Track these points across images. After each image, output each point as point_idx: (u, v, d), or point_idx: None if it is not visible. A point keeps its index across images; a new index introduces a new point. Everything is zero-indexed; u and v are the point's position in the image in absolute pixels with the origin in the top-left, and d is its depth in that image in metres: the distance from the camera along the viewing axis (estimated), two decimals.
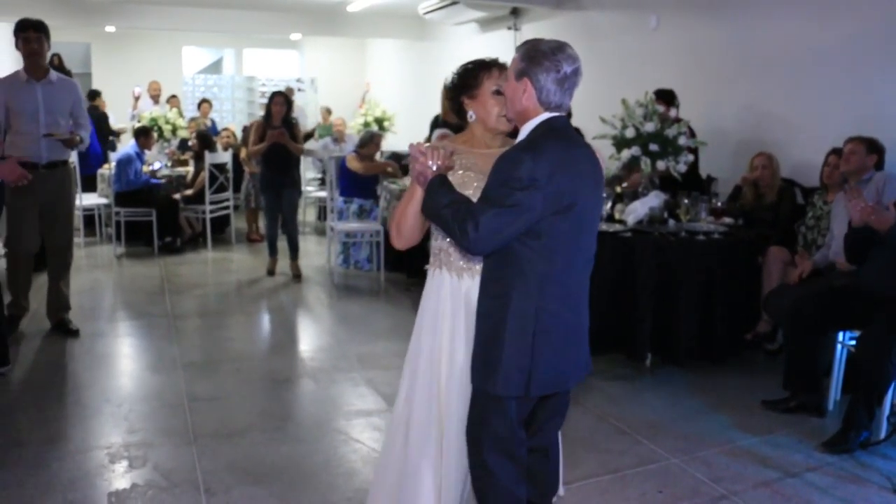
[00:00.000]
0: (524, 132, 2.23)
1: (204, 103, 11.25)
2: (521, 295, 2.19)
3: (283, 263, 7.18)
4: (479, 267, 2.38)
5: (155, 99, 11.03)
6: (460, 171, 2.42)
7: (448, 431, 2.48)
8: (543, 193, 2.08)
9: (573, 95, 2.23)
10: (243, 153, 8.68)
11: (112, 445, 3.59)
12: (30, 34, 4.86)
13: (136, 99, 10.98)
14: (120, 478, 3.28)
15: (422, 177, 2.25)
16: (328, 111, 11.98)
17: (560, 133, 2.20)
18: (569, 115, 6.84)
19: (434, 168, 2.25)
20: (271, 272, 7.11)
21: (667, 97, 5.35)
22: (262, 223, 9.14)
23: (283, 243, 7.18)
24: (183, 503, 3.09)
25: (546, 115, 2.21)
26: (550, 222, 2.14)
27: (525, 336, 2.20)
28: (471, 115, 2.50)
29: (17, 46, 4.95)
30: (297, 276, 7.02)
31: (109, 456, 3.48)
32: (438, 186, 2.21)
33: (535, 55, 2.17)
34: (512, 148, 2.19)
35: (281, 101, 6.88)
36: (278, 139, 6.70)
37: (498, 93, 2.42)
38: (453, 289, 2.50)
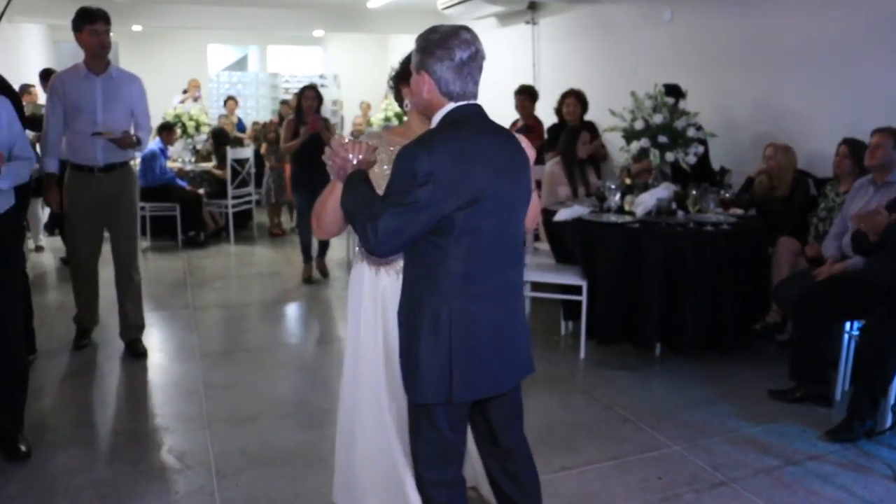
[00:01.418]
0: (433, 125, 2.13)
1: (230, 100, 11.43)
2: (432, 296, 2.07)
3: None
4: (400, 264, 2.33)
5: (194, 97, 11.30)
6: (385, 167, 2.34)
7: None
8: (442, 188, 1.95)
9: (478, 81, 2.11)
10: (263, 148, 8.82)
11: (130, 429, 3.73)
12: (98, 26, 4.40)
13: (185, 93, 11.33)
14: (136, 459, 3.41)
15: (342, 171, 2.18)
16: (368, 106, 12.20)
17: (463, 123, 2.07)
18: (579, 101, 6.81)
19: (354, 162, 2.18)
20: (308, 280, 6.76)
21: (673, 92, 5.37)
22: (283, 218, 9.31)
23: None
24: (195, 484, 3.20)
25: (451, 106, 2.09)
26: (456, 218, 2.00)
27: (440, 339, 2.05)
28: (406, 103, 2.43)
29: (78, 41, 4.47)
30: (324, 274, 6.89)
31: (127, 439, 3.62)
32: (355, 182, 2.10)
33: (427, 45, 2.06)
34: (409, 143, 2.04)
35: (312, 96, 6.57)
36: (313, 128, 6.37)
37: None
38: (371, 283, 2.55)
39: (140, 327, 4.92)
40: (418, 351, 2.08)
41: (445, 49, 2.04)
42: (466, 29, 2.09)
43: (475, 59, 2.08)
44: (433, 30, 2.10)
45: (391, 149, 2.36)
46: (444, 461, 2.21)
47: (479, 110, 2.13)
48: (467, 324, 2.07)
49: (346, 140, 2.23)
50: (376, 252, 2.02)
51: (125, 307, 4.83)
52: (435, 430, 2.16)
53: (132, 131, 4.66)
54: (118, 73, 4.64)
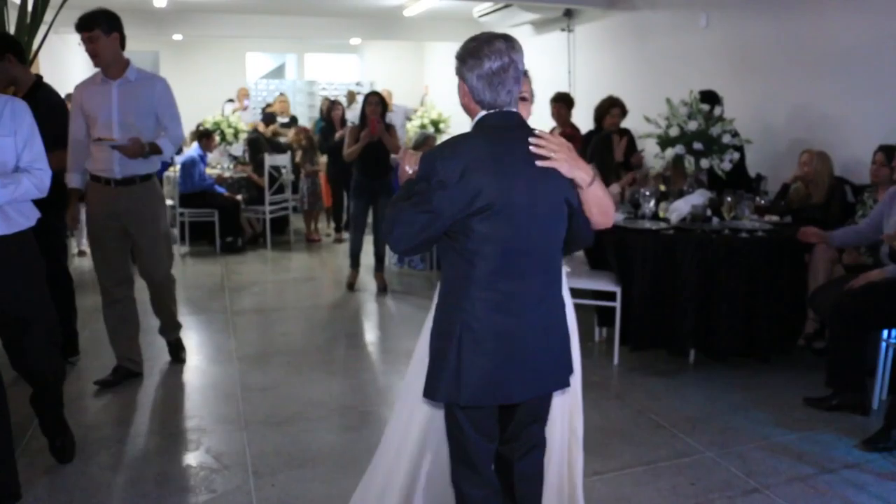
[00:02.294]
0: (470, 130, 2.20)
1: (268, 108, 11.62)
2: (447, 298, 2.16)
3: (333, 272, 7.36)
4: None
5: (240, 102, 11.52)
6: None
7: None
8: (451, 194, 2.01)
9: (514, 90, 2.12)
10: (298, 156, 8.94)
11: (169, 430, 3.82)
12: (83, 35, 4.07)
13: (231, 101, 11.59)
14: (175, 459, 3.50)
15: (401, 181, 2.33)
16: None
17: (488, 130, 2.11)
18: (623, 112, 6.76)
19: (410, 172, 2.28)
20: (351, 286, 6.69)
21: (709, 98, 5.35)
22: (321, 224, 9.43)
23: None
24: (232, 484, 3.27)
25: (483, 113, 2.14)
26: (468, 223, 2.05)
27: (451, 341, 2.10)
28: None
29: None
30: (382, 288, 6.65)
31: (166, 439, 3.71)
32: (401, 190, 2.20)
33: (463, 54, 2.13)
34: (431, 149, 2.16)
35: (375, 101, 6.39)
36: (374, 131, 6.23)
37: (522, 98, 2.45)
38: None
39: (174, 327, 4.85)
40: (436, 352, 2.16)
41: (476, 59, 2.09)
42: (504, 38, 2.11)
43: (507, 69, 2.08)
44: (472, 38, 2.15)
45: None
46: (470, 461, 2.24)
47: (512, 118, 2.16)
48: (479, 328, 2.10)
49: (407, 151, 2.35)
50: (394, 250, 2.14)
51: (163, 327, 4.84)
52: (458, 429, 2.22)
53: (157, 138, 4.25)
54: (137, 76, 4.26)
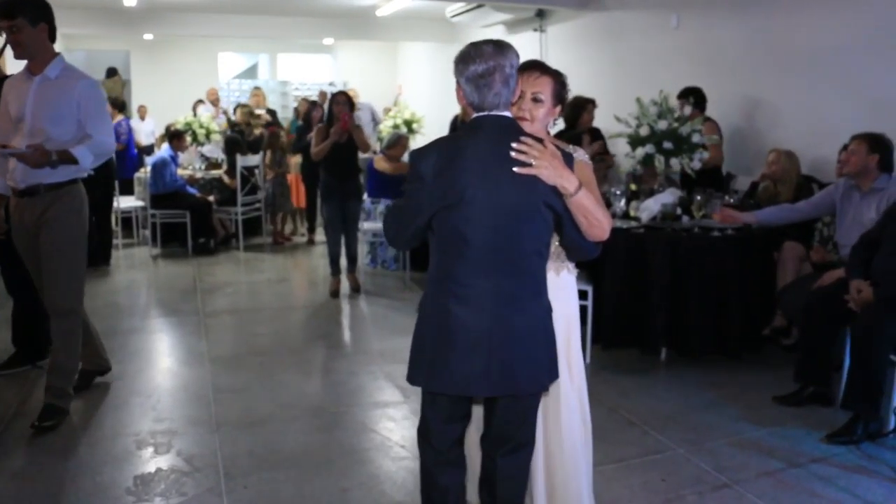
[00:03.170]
0: None
1: (239, 107, 11.52)
2: (427, 287, 2.30)
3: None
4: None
5: (214, 104, 11.39)
6: None
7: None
8: (428, 188, 2.14)
9: (502, 92, 2.18)
10: (268, 157, 8.87)
11: (139, 433, 3.78)
12: (2, 24, 3.56)
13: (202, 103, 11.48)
14: (145, 462, 3.46)
15: None
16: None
17: (474, 131, 2.20)
18: (593, 105, 6.68)
19: None
20: (335, 294, 6.52)
21: (693, 95, 5.44)
22: (288, 226, 9.38)
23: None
24: (204, 487, 3.25)
25: (474, 115, 2.22)
26: (442, 217, 2.16)
27: (427, 329, 2.24)
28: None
29: None
30: (356, 289, 6.63)
31: (136, 442, 3.67)
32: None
33: (456, 58, 2.21)
34: (418, 147, 2.28)
35: (343, 101, 6.35)
36: (345, 126, 6.14)
37: (535, 99, 2.52)
38: None
39: (61, 394, 3.83)
40: (413, 338, 2.29)
41: (464, 63, 2.18)
42: (494, 43, 2.18)
43: (493, 73, 2.14)
44: (469, 44, 2.23)
45: None
46: (426, 433, 2.38)
47: (502, 121, 2.21)
48: (445, 321, 2.19)
49: None
50: (390, 244, 2.36)
51: (53, 359, 3.85)
52: (425, 411, 2.37)
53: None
54: (58, 72, 3.67)
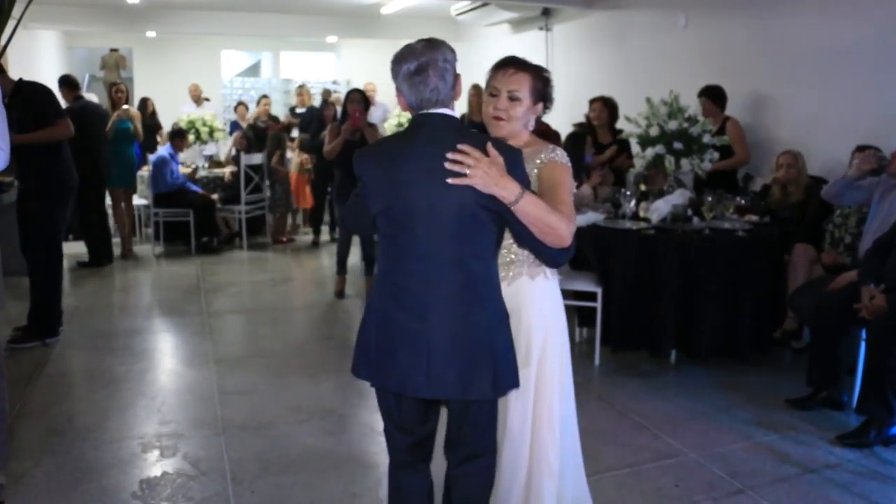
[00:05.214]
0: None
1: (240, 105, 11.46)
2: (375, 285, 2.28)
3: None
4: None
5: (196, 101, 11.30)
6: None
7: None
8: (367, 190, 2.16)
9: (437, 87, 2.12)
10: (276, 157, 8.81)
11: (145, 436, 3.73)
12: None
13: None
14: (151, 466, 3.42)
15: None
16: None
17: (411, 129, 2.17)
18: (612, 112, 6.74)
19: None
20: (340, 294, 6.46)
21: (714, 94, 5.49)
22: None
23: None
24: (210, 491, 3.20)
25: (415, 115, 2.18)
26: (381, 219, 2.16)
27: (370, 326, 2.22)
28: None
29: None
30: (370, 293, 6.47)
31: (142, 445, 3.62)
32: None
33: (391, 62, 2.17)
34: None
35: (357, 98, 6.20)
36: (357, 124, 5.96)
37: (491, 93, 2.47)
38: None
39: None
40: (358, 333, 2.28)
41: (398, 63, 2.14)
42: (426, 41, 2.15)
43: (426, 68, 2.10)
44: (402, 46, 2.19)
45: None
46: (388, 443, 2.38)
47: (440, 120, 2.14)
48: (387, 322, 2.17)
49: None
50: (350, 232, 2.42)
51: None
52: (380, 406, 2.33)
53: None
54: None
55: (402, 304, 2.13)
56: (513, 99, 2.41)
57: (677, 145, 4.86)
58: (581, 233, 4.78)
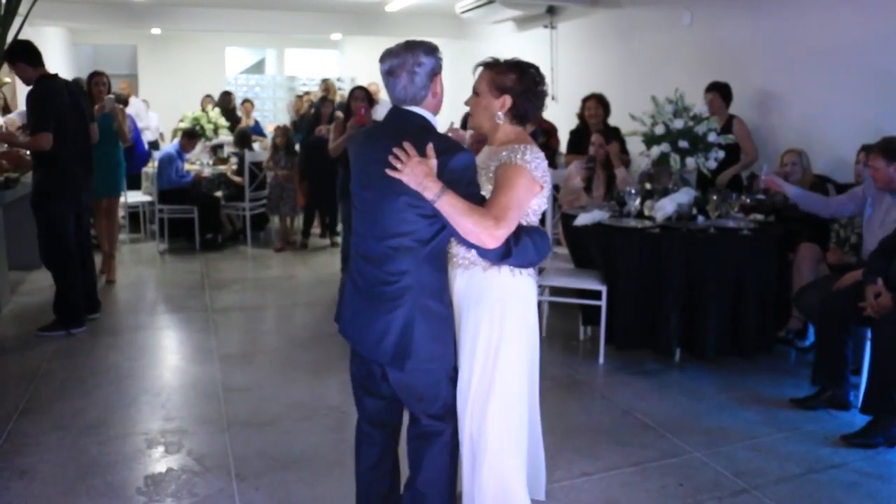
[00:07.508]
0: None
1: (246, 103, 11.46)
2: None
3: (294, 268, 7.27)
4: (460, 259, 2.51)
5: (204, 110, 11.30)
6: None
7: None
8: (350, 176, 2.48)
9: (403, 86, 2.32)
10: (268, 156, 8.76)
11: (149, 432, 3.74)
12: None
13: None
14: (156, 462, 3.42)
15: None
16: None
17: (382, 122, 2.45)
18: (606, 110, 6.78)
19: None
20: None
21: (722, 90, 5.61)
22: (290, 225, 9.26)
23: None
24: (215, 487, 3.21)
25: (390, 109, 2.42)
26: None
27: (342, 287, 2.59)
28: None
29: None
30: None
31: (147, 442, 3.63)
32: None
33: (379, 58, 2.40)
34: None
35: (361, 96, 6.11)
36: (362, 121, 5.77)
37: (474, 92, 2.57)
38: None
39: None
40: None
41: (380, 62, 2.36)
42: (405, 42, 2.34)
43: (397, 69, 2.30)
44: None
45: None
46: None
47: (406, 115, 2.36)
48: (349, 280, 2.52)
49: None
50: None
51: None
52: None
53: None
54: None
55: (352, 277, 2.49)
56: (475, 94, 2.56)
57: (683, 144, 4.84)
58: (586, 231, 4.82)
